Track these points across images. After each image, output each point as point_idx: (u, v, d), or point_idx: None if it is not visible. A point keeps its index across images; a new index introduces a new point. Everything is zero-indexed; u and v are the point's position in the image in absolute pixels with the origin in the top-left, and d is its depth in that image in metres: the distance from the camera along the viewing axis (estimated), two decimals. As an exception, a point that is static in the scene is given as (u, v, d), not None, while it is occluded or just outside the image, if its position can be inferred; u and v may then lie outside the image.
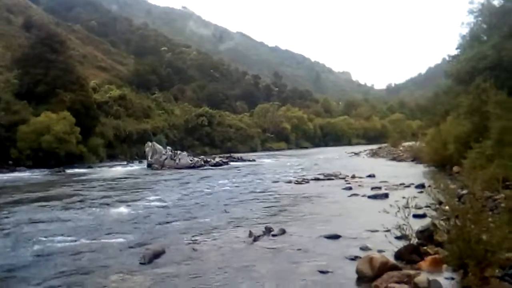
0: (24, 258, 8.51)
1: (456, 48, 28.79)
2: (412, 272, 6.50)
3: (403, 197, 9.76)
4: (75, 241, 9.87)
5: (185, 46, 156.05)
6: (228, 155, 53.98)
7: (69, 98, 49.34)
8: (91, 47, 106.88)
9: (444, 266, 6.81)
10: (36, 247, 9.41)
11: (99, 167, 41.40)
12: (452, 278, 6.37)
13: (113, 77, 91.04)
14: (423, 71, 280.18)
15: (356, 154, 56.15)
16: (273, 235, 9.93)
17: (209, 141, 79.95)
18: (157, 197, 17.64)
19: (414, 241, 7.67)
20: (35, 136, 42.18)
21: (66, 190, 21.35)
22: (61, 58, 52.46)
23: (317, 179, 23.07)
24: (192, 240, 9.69)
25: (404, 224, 7.20)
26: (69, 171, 35.90)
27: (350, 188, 18.46)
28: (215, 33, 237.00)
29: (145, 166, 38.84)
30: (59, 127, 43.12)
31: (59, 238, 10.15)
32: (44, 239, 10.13)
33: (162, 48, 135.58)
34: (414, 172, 25.56)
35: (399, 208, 7.36)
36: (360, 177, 22.87)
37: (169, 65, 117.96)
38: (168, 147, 42.04)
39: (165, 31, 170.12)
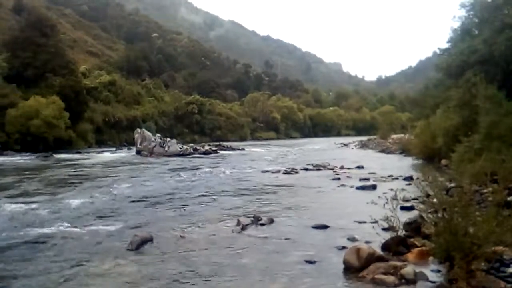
0: (4, 246, 8.40)
1: (447, 42, 28.75)
2: (398, 263, 6.53)
3: (391, 189, 9.78)
4: (61, 227, 9.77)
5: (176, 33, 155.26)
6: (218, 143, 53.83)
7: (59, 83, 49.14)
8: (81, 32, 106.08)
9: (431, 258, 6.84)
10: (19, 234, 9.30)
11: (88, 152, 41.27)
12: (438, 271, 6.41)
13: (103, 63, 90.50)
14: (413, 64, 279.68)
15: (345, 145, 56.23)
16: (261, 225, 9.94)
17: (198, 129, 79.85)
18: (145, 184, 17.57)
19: (401, 233, 7.68)
20: (24, 120, 41.99)
21: (52, 175, 21.24)
22: (51, 42, 52.13)
23: (306, 170, 23.07)
24: (180, 228, 9.67)
25: (391, 216, 7.20)
26: (57, 156, 35.79)
27: (339, 179, 18.46)
28: (206, 20, 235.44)
29: (134, 153, 38.68)
30: (48, 112, 42.95)
31: (44, 224, 10.06)
32: (28, 225, 10.03)
33: (153, 35, 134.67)
34: (403, 164, 25.66)
35: (387, 199, 7.37)
36: (349, 168, 22.90)
37: (160, 52, 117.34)
38: (157, 134, 41.84)
39: (156, 17, 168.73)
